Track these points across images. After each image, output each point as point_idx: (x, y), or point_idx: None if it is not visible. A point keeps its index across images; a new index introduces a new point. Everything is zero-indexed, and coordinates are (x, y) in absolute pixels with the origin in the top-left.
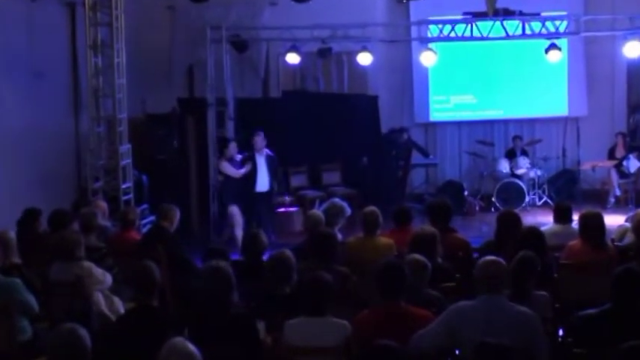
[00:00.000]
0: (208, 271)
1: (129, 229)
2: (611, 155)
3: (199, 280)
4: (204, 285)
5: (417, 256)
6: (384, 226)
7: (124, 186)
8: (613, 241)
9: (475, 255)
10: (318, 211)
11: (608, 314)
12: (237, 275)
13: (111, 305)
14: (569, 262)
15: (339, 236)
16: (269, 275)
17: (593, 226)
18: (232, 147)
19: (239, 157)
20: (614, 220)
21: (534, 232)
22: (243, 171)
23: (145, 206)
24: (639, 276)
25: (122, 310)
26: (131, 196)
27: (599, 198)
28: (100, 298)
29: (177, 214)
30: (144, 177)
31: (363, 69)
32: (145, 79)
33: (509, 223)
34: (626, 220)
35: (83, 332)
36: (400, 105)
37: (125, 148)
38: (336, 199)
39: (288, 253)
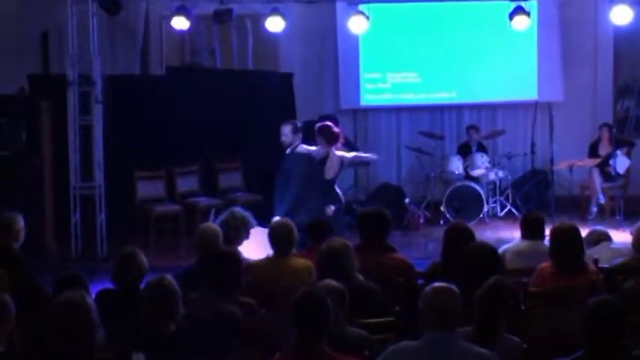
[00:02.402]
0: (61, 307)
1: None
2: (593, 152)
3: (50, 319)
4: (57, 325)
5: (329, 281)
6: (299, 243)
7: None
8: (596, 262)
9: (420, 281)
10: (213, 224)
11: None
12: (107, 309)
13: None
14: (539, 290)
15: (243, 256)
16: (145, 309)
17: (567, 243)
18: None
19: None
20: None
21: (482, 249)
22: None
23: None
24: (617, 311)
25: None
26: None
27: (578, 207)
28: None
29: (21, 226)
30: None
31: (274, 38)
32: None
33: (459, 239)
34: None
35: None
36: (321, 86)
37: None
38: (237, 209)
39: (169, 279)
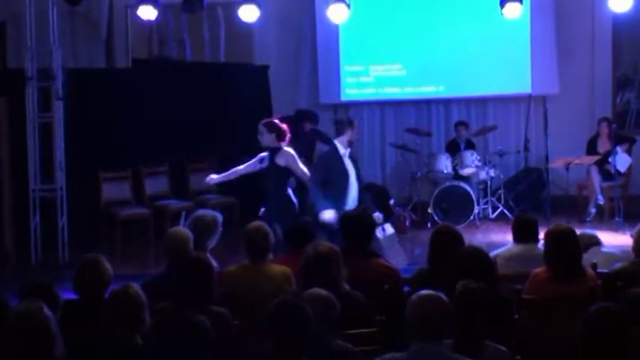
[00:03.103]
0: (17, 319)
1: None
2: (591, 149)
3: (6, 334)
4: (14, 337)
5: (317, 290)
6: (276, 248)
7: None
8: (595, 267)
9: (406, 289)
10: (183, 229)
11: None
12: (69, 320)
13: None
14: (534, 298)
15: (215, 263)
16: (109, 320)
17: (563, 246)
18: None
19: None
20: None
21: (475, 253)
22: None
23: None
24: (620, 320)
25: None
26: None
27: (576, 208)
28: None
29: None
30: None
31: (248, 28)
32: None
33: (446, 243)
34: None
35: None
36: (299, 79)
37: None
38: (205, 211)
39: (135, 288)
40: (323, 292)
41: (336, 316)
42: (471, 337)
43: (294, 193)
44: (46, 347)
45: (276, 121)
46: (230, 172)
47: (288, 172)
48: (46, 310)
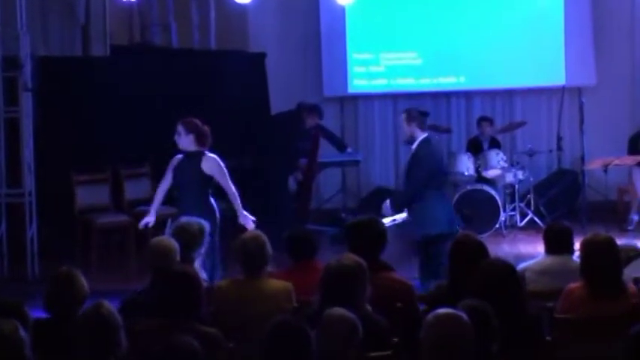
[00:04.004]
0: None
1: None
2: (633, 148)
3: None
4: None
5: (339, 311)
6: (275, 261)
7: None
8: (637, 282)
9: (421, 306)
10: (167, 238)
11: None
12: (39, 341)
13: None
14: (568, 317)
15: (204, 276)
16: (80, 342)
17: (602, 259)
18: None
19: None
20: None
21: (498, 267)
22: None
23: None
24: None
25: None
26: None
27: (615, 215)
28: None
29: None
30: None
31: (241, 11)
32: None
33: (468, 256)
34: None
35: None
36: (300, 68)
37: None
38: (191, 218)
39: (107, 306)
40: (345, 312)
41: (358, 341)
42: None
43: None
44: None
45: (198, 122)
46: (157, 198)
47: (211, 181)
48: (21, 332)
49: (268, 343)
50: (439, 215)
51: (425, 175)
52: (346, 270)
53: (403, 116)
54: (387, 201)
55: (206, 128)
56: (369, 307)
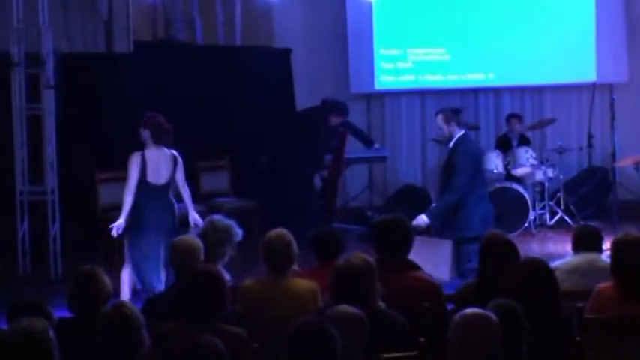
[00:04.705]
0: (14, 340)
1: None
2: None
3: (1, 354)
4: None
5: (344, 308)
6: (301, 260)
7: None
8: None
9: (449, 306)
10: (191, 237)
11: None
12: (62, 341)
13: None
14: (599, 317)
15: (227, 276)
16: (102, 341)
17: (633, 258)
18: None
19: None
20: None
21: (537, 268)
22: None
23: None
24: None
25: None
26: None
27: None
28: None
29: None
30: None
31: (267, 7)
32: None
33: (497, 254)
34: None
35: None
36: (326, 65)
37: None
38: (218, 217)
39: (129, 306)
40: (350, 309)
41: (365, 336)
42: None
43: None
44: None
45: (160, 118)
46: (127, 200)
47: None
48: (51, 333)
49: (292, 343)
50: (476, 218)
51: (466, 182)
52: (354, 269)
53: (440, 117)
54: (422, 215)
55: (166, 125)
56: (382, 304)
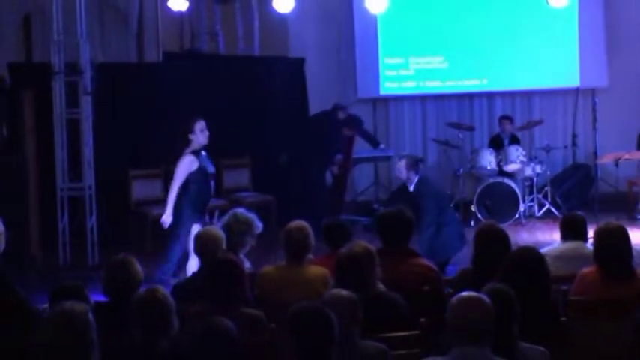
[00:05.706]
0: (57, 320)
1: None
2: None
3: (44, 333)
4: (52, 342)
5: (338, 291)
6: (315, 249)
7: None
8: None
9: (447, 290)
10: (214, 228)
11: None
12: (98, 323)
13: None
14: (582, 299)
15: (247, 264)
16: (135, 324)
17: (613, 245)
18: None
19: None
20: None
21: (530, 255)
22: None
23: None
24: None
25: None
26: None
27: (626, 205)
28: None
29: (1, 231)
30: None
31: (283, 19)
32: None
33: (491, 242)
34: None
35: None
36: (336, 72)
37: None
38: (240, 210)
39: (162, 290)
40: (344, 292)
41: (358, 316)
42: (507, 340)
43: None
44: (86, 351)
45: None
46: (171, 195)
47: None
48: (90, 315)
49: (292, 327)
50: (454, 237)
51: (434, 217)
52: (355, 256)
53: (404, 163)
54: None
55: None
56: (381, 286)
